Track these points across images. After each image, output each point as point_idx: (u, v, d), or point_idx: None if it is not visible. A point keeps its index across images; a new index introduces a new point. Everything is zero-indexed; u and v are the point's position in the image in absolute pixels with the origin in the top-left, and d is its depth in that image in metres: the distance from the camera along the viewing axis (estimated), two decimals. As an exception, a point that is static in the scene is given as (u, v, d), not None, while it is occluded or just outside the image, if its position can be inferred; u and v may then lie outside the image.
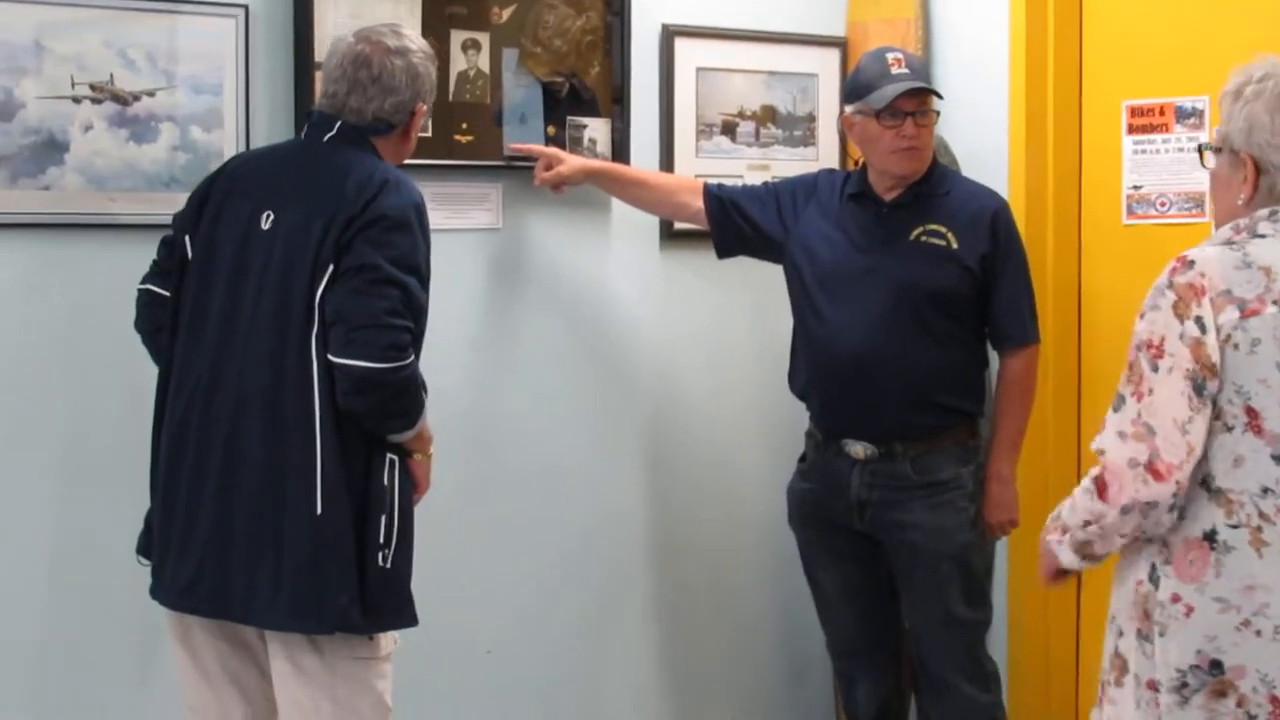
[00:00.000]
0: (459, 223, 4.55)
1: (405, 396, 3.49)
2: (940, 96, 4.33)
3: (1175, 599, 2.86)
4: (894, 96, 4.18)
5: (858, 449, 4.25)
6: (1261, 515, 2.82)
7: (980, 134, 4.91)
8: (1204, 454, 2.84)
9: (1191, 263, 2.85)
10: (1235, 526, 2.83)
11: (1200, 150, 3.07)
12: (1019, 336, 4.29)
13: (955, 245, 4.21)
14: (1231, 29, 4.42)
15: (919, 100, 4.23)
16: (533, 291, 4.71)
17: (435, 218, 4.33)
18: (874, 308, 4.19)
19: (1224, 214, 2.98)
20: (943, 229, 4.23)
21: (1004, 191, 4.67)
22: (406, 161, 4.25)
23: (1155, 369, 2.85)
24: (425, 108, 3.73)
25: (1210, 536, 2.85)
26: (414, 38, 3.72)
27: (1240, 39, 4.36)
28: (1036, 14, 4.80)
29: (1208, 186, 3.02)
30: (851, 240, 4.31)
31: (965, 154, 4.89)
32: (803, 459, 4.46)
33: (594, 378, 4.83)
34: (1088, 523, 2.97)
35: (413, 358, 3.47)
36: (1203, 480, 2.86)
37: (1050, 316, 4.66)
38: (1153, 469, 2.83)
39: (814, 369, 4.34)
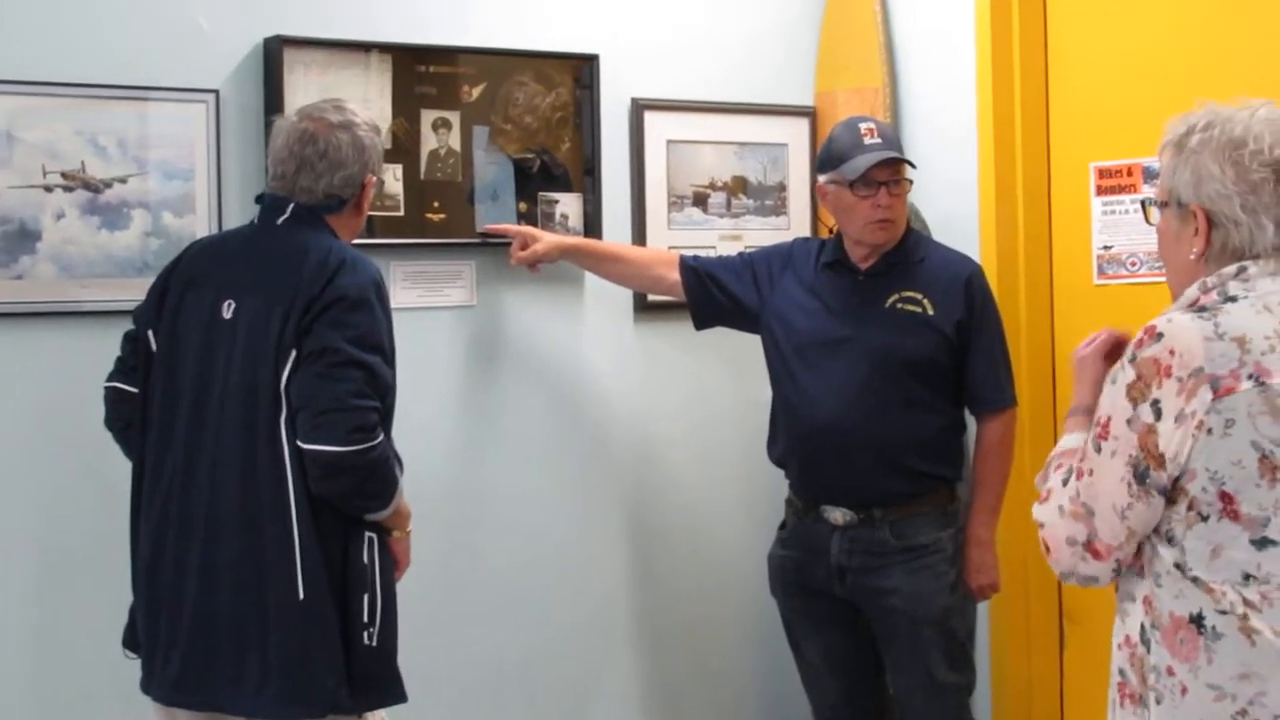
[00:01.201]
0: (434, 300, 4.59)
1: (377, 477, 3.50)
2: (913, 166, 4.38)
3: (1170, 672, 2.70)
4: (867, 167, 4.23)
5: (836, 515, 4.27)
6: (1246, 603, 2.64)
7: (950, 199, 4.97)
8: (1178, 543, 2.69)
9: (1160, 335, 2.68)
10: (1223, 613, 2.65)
11: (1144, 206, 2.99)
12: (996, 401, 4.33)
13: (931, 312, 4.25)
14: (1197, 89, 4.35)
15: (892, 170, 4.27)
16: (509, 368, 4.75)
17: (409, 296, 4.44)
18: (851, 376, 4.22)
19: (1176, 271, 2.85)
20: (918, 295, 4.27)
21: (975, 255, 4.73)
22: (381, 241, 4.31)
23: (1099, 449, 2.74)
24: (375, 179, 3.76)
25: (1198, 621, 2.67)
26: (357, 111, 3.75)
27: (1207, 98, 4.40)
28: (1003, 79, 4.87)
29: (1157, 244, 2.91)
30: (828, 309, 4.34)
31: (936, 219, 4.95)
32: (783, 526, 4.48)
33: (572, 453, 4.86)
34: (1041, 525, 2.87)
35: (381, 437, 3.48)
36: (1177, 565, 2.70)
37: (1025, 378, 4.70)
38: (1091, 549, 2.75)
39: (792, 437, 4.36)
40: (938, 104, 5.06)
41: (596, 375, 4.90)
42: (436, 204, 4.58)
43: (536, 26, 4.78)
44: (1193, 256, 2.79)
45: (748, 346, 4.62)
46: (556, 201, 4.77)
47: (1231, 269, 2.74)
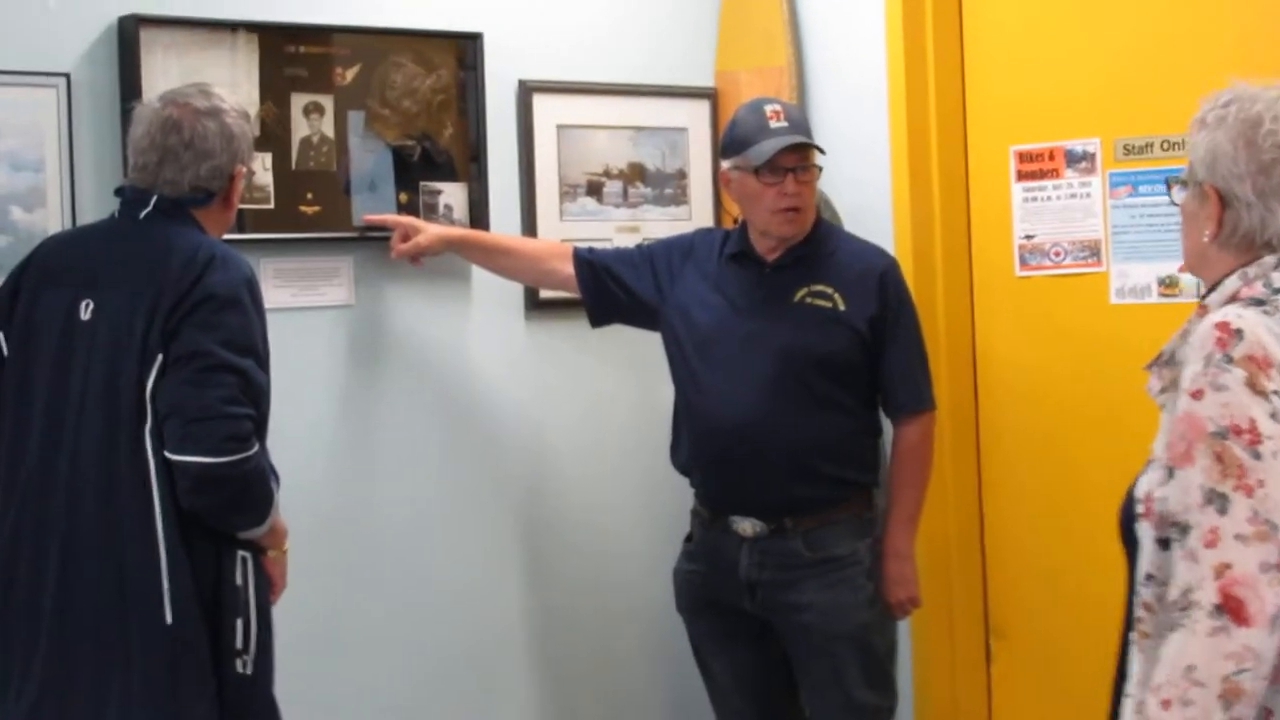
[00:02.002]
0: (309, 300, 4.47)
1: (252, 490, 3.42)
2: (822, 151, 4.30)
3: None
4: (773, 152, 4.15)
5: (745, 526, 4.20)
6: None
7: (862, 186, 4.89)
8: None
9: (1239, 331, 2.61)
10: None
11: (1168, 184, 2.95)
12: (913, 404, 4.26)
13: (843, 307, 4.19)
14: (1122, 68, 4.45)
15: (800, 156, 4.20)
16: (391, 372, 4.64)
17: (282, 295, 4.33)
18: (757, 375, 4.15)
19: (1191, 253, 2.85)
20: (829, 290, 4.20)
21: (890, 246, 4.65)
22: (250, 236, 4.24)
23: (1258, 456, 2.55)
24: (245, 169, 3.68)
25: None
26: (224, 96, 3.67)
27: (1132, 78, 4.42)
28: (915, 59, 4.79)
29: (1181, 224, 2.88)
30: (732, 304, 4.27)
31: (848, 208, 4.87)
32: (689, 539, 4.40)
33: (461, 464, 4.76)
34: (1240, 668, 2.51)
35: (256, 447, 3.42)
36: None
37: (944, 377, 4.63)
38: None
39: (696, 442, 4.29)
40: (847, 84, 4.98)
41: (486, 379, 4.80)
42: (310, 195, 4.46)
43: (415, 3, 4.67)
44: (1205, 238, 2.79)
45: (648, 345, 4.53)
46: (440, 192, 4.67)
47: (1271, 260, 2.73)
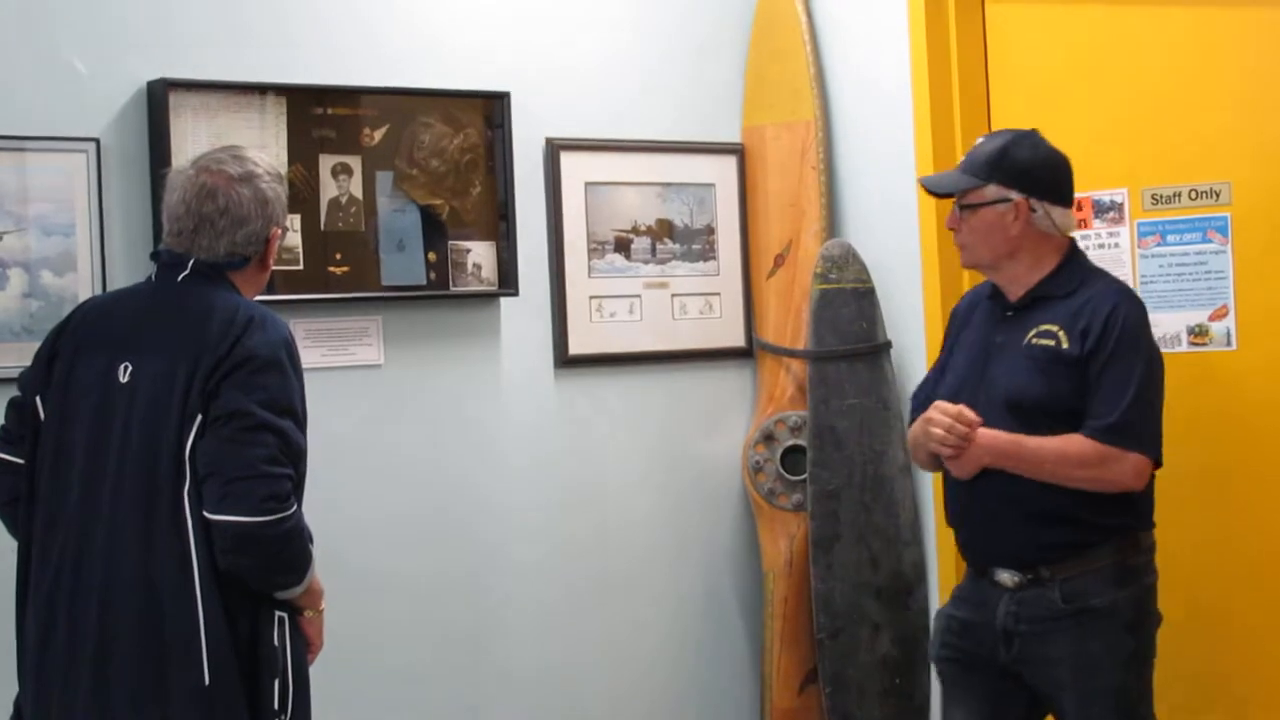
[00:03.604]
0: (338, 360, 4.58)
1: (290, 550, 3.46)
2: (937, 194, 4.19)
3: None
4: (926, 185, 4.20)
5: (1005, 577, 4.09)
6: None
7: (889, 244, 5.02)
8: None
9: None
10: None
11: None
12: (1104, 431, 3.92)
13: (1065, 345, 4.01)
14: (1149, 118, 4.54)
15: (959, 193, 4.10)
16: (422, 431, 4.74)
17: (312, 356, 4.39)
18: (994, 422, 4.03)
19: None
20: (1055, 328, 4.03)
21: (919, 308, 4.77)
22: (280, 298, 4.28)
23: None
24: (280, 231, 3.73)
25: None
26: (258, 159, 3.71)
27: (1159, 128, 4.52)
28: (942, 115, 4.92)
29: None
30: (978, 349, 4.18)
31: (876, 267, 5.01)
32: (959, 586, 4.33)
33: (491, 519, 4.86)
34: None
35: (295, 507, 3.45)
36: None
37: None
38: None
39: (948, 494, 4.25)
40: (873, 140, 5.12)
41: (517, 437, 4.91)
42: (339, 255, 4.58)
43: (442, 63, 4.79)
44: None
45: (681, 399, 4.69)
46: (468, 250, 4.78)
47: None
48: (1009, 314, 4.09)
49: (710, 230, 5.23)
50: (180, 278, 3.58)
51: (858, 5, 5.19)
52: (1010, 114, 4.86)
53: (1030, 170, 4.00)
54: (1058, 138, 4.52)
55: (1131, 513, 4.02)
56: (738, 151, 5.28)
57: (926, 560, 5.09)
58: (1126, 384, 3.91)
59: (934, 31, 4.93)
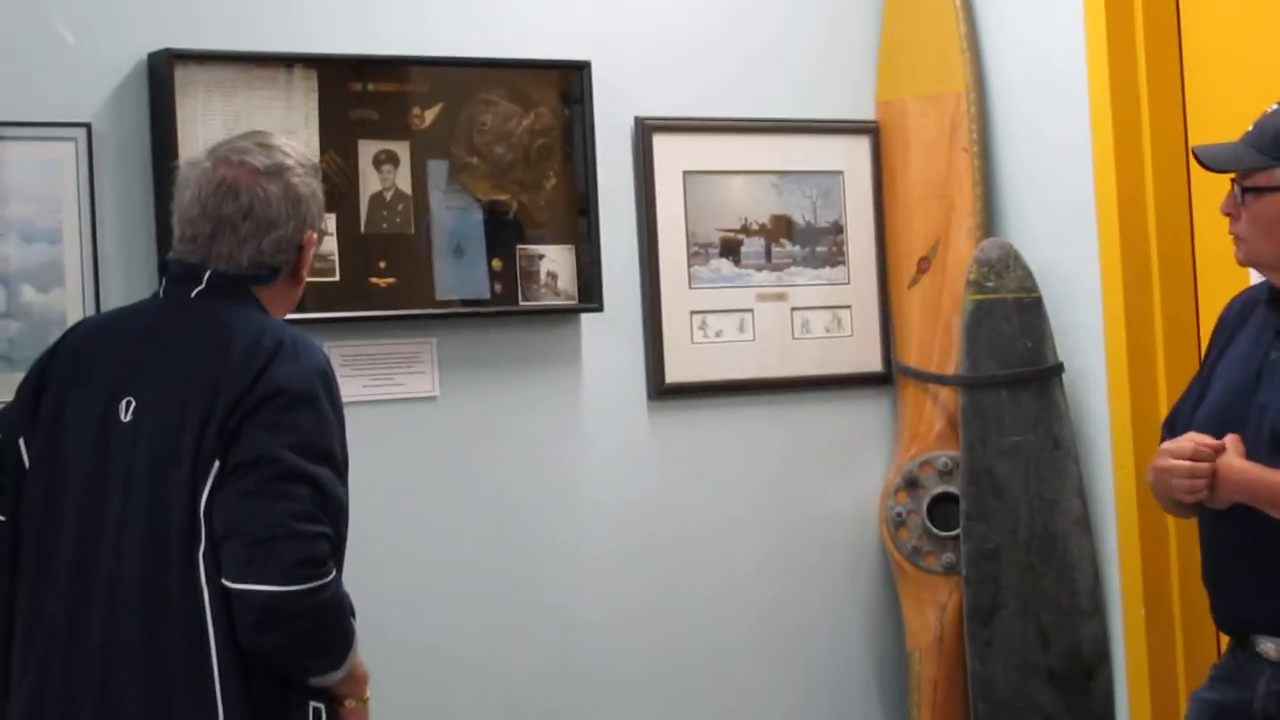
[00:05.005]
0: (384, 392, 4.59)
1: (327, 626, 3.43)
2: (1213, 169, 4.07)
3: None
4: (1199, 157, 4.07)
5: (1269, 647, 4.02)
6: None
7: (1060, 231, 5.01)
8: None
9: None
10: None
11: None
12: None
13: None
14: None
15: (1242, 172, 3.99)
16: (485, 478, 4.75)
17: (352, 387, 4.40)
18: (1259, 459, 3.94)
19: None
20: None
21: (1095, 304, 4.78)
22: (311, 316, 4.30)
23: None
24: (317, 235, 3.70)
25: None
26: (289, 148, 3.69)
27: None
28: (1123, 81, 4.87)
29: None
30: (1253, 367, 4.09)
31: (1041, 261, 4.99)
32: (1216, 664, 4.27)
33: (571, 587, 4.86)
34: None
35: (334, 574, 3.42)
36: None
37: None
38: None
39: (1202, 549, 4.15)
40: (1040, 112, 5.09)
41: (604, 482, 4.92)
42: (383, 264, 4.59)
43: (508, 28, 4.79)
44: None
45: (801, 433, 4.76)
46: (541, 256, 4.77)
47: None
48: None
49: (838, 228, 5.21)
50: (194, 293, 3.56)
51: (1020, -53, 5.14)
52: (1210, 80, 4.82)
53: None
54: (1253, 98, 4.48)
55: None
56: (872, 131, 5.27)
57: (1111, 636, 5.01)
58: None
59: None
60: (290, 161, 3.62)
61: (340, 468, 3.48)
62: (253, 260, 3.57)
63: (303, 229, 3.60)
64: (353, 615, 3.55)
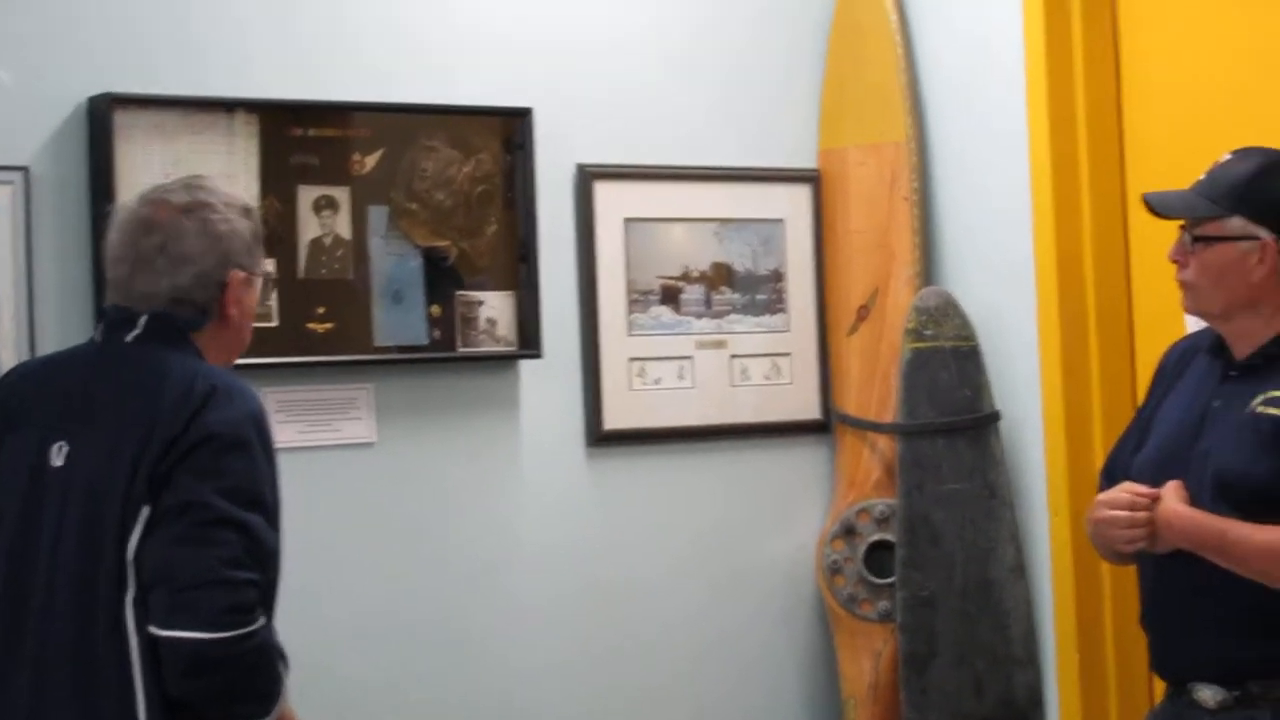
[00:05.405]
0: (320, 438, 4.58)
1: (255, 674, 3.40)
2: (1163, 215, 4.04)
3: None
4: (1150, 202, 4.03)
5: (1205, 694, 3.96)
6: None
7: (998, 280, 5.02)
8: None
9: None
10: None
11: None
12: None
13: None
14: None
15: (1192, 220, 3.96)
16: (422, 524, 4.74)
17: (287, 433, 4.41)
18: (1200, 505, 3.90)
19: None
20: None
21: (1031, 354, 4.78)
22: (248, 361, 4.22)
23: None
24: (245, 275, 3.62)
25: None
26: (214, 187, 3.65)
27: None
28: (1063, 134, 4.88)
29: None
30: (1195, 414, 4.04)
31: (982, 316, 5.00)
32: (1153, 710, 4.20)
33: (508, 633, 4.85)
34: None
35: (263, 620, 3.39)
36: None
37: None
38: None
39: (1142, 592, 4.11)
40: (980, 162, 5.11)
41: (542, 530, 4.91)
42: (321, 310, 4.58)
43: (450, 74, 4.79)
44: None
45: (740, 481, 4.77)
46: (480, 303, 4.77)
47: None
48: (1233, 374, 3.95)
49: (778, 276, 5.22)
50: (130, 338, 3.54)
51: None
52: (1148, 131, 4.84)
53: None
54: (1203, 160, 4.48)
55: None
56: (813, 179, 5.28)
57: (1045, 684, 5.02)
58: None
59: (1054, 31, 4.89)
60: (212, 200, 3.58)
61: (271, 513, 3.45)
62: (172, 296, 3.52)
63: (225, 266, 3.55)
64: (284, 661, 3.53)
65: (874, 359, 5.21)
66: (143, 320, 3.54)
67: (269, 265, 4.37)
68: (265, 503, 3.43)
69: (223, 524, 3.33)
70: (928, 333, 5.02)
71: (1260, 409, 3.83)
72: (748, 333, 5.15)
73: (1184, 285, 3.95)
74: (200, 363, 3.53)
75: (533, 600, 4.89)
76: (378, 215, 4.65)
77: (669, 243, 5.08)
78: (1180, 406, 4.03)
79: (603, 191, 4.97)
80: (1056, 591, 4.89)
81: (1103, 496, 3.94)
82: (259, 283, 3.66)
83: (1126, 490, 3.87)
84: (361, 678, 4.62)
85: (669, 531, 5.08)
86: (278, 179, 4.52)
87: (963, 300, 5.00)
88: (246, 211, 3.65)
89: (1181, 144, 4.73)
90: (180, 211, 3.56)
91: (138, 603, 3.35)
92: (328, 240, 4.59)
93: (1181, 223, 3.93)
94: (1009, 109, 5.00)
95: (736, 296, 5.16)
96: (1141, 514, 3.85)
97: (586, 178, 4.94)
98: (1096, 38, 4.91)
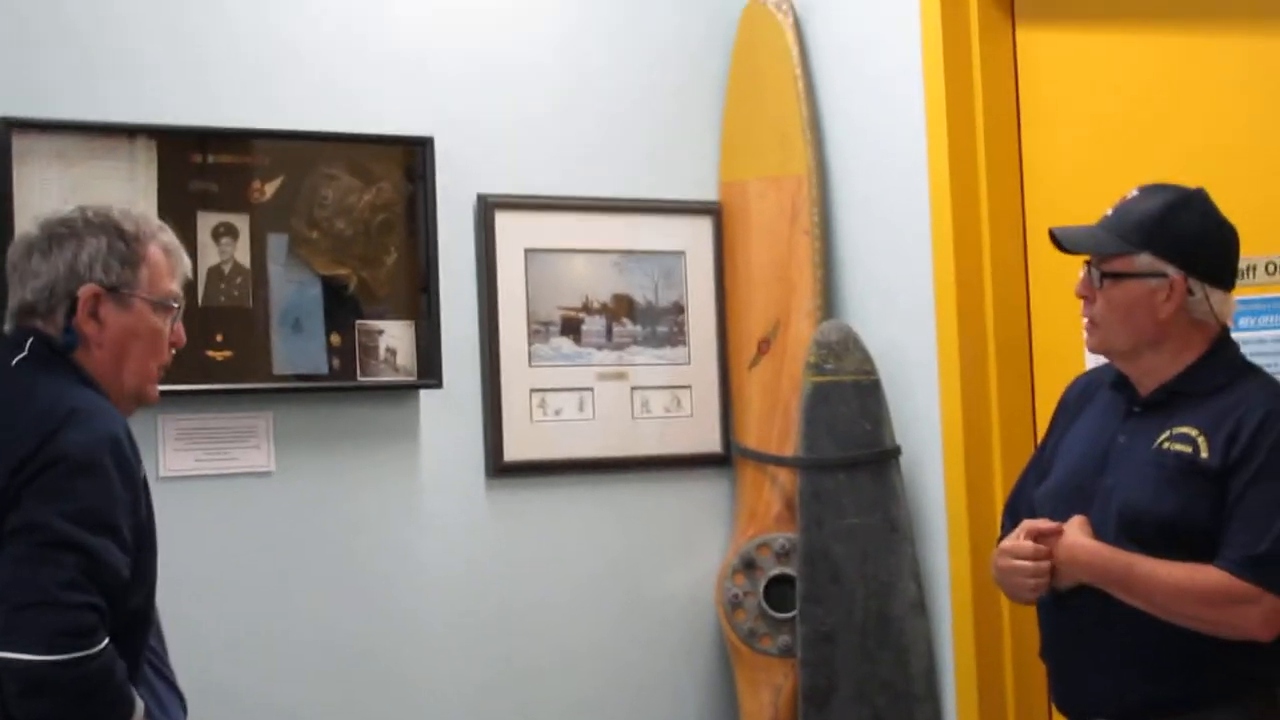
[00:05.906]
0: (217, 466, 4.55)
1: (95, 699, 3.32)
2: (1069, 251, 4.05)
3: None
4: (1058, 239, 4.03)
5: None
6: None
7: (903, 324, 5.03)
8: None
9: None
10: None
11: None
12: (1240, 565, 3.79)
13: (1204, 454, 3.89)
14: (1222, 178, 4.36)
15: (1100, 256, 3.98)
16: (320, 554, 4.72)
17: (184, 461, 4.38)
18: (1107, 536, 3.92)
19: None
20: (1193, 432, 3.92)
21: (931, 388, 4.78)
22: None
23: None
24: (97, 290, 3.55)
25: None
26: (92, 208, 3.61)
27: (1233, 190, 4.37)
28: (964, 167, 4.91)
29: None
30: (1099, 450, 4.06)
31: (882, 350, 5.01)
32: None
33: (403, 664, 4.83)
34: None
35: (102, 645, 3.31)
36: None
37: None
38: None
39: (1043, 620, 4.11)
40: (880, 197, 5.12)
41: (441, 559, 4.90)
42: (220, 338, 4.56)
43: (352, 102, 4.79)
44: None
45: (640, 514, 4.77)
46: (380, 332, 4.76)
47: None
48: (1136, 410, 3.98)
49: (679, 308, 5.23)
50: (15, 361, 3.52)
51: (861, 33, 5.18)
52: (1048, 167, 4.87)
53: (1196, 243, 3.87)
54: (1104, 190, 4.51)
55: (1272, 661, 3.86)
56: (714, 212, 5.29)
57: None
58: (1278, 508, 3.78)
59: (954, 67, 4.92)
60: (74, 215, 3.56)
61: (123, 538, 3.39)
62: (21, 309, 3.53)
63: (75, 280, 3.52)
64: (183, 704, 3.51)
65: (775, 392, 5.22)
66: (29, 343, 3.52)
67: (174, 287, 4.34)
68: (116, 528, 3.38)
69: (61, 546, 3.30)
70: (828, 366, 5.02)
71: (1166, 445, 3.86)
72: (649, 365, 5.16)
73: (1090, 322, 3.97)
74: (72, 387, 3.49)
75: (433, 630, 4.88)
76: (277, 243, 4.63)
77: (570, 273, 5.08)
78: (1084, 440, 4.05)
79: (504, 221, 4.96)
80: (956, 628, 4.90)
81: (1006, 544, 3.95)
82: (139, 304, 3.60)
83: (1029, 541, 3.87)
84: (260, 705, 4.59)
85: (569, 563, 5.07)
86: (177, 205, 4.49)
87: (863, 334, 5.01)
88: (110, 228, 3.58)
89: (1081, 179, 4.78)
90: (39, 227, 3.55)
91: (-17, 625, 3.31)
92: (227, 268, 4.56)
93: (1086, 258, 3.94)
94: (909, 143, 5.01)
95: (637, 328, 5.17)
96: (1045, 563, 3.86)
97: (487, 207, 4.93)
98: (996, 72, 4.93)
